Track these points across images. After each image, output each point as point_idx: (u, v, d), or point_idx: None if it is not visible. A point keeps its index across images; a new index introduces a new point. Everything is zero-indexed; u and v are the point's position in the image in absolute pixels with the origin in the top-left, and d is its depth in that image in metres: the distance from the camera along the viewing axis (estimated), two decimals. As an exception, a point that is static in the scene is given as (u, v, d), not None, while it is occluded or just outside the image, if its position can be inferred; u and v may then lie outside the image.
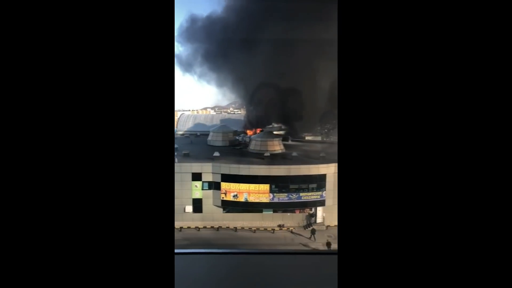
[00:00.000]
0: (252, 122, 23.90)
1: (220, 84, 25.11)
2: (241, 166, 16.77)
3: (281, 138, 20.58)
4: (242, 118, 26.60)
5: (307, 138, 23.65)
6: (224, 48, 22.78)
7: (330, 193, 16.52)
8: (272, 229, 16.12)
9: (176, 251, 1.12)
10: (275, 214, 16.75)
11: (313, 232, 15.21)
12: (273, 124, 24.24)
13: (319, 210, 16.70)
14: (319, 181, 16.43)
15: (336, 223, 16.38)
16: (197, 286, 1.43)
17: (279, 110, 21.75)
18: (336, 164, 16.51)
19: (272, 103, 21.53)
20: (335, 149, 20.27)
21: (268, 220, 16.58)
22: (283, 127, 24.51)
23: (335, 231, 15.22)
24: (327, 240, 14.58)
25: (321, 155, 17.87)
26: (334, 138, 23.79)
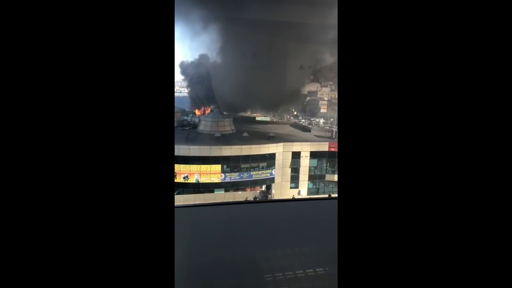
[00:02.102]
0: (203, 101, 23.13)
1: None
2: (191, 147, 16.28)
3: (231, 119, 20.50)
4: (189, 98, 25.54)
5: (258, 118, 24.13)
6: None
7: (279, 171, 17.49)
8: (224, 208, 16.50)
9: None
10: (227, 193, 17.02)
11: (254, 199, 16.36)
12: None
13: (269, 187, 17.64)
14: (268, 160, 17.17)
15: (283, 197, 17.60)
16: (202, 234, 1.53)
17: (237, 90, 21.50)
18: (283, 144, 17.48)
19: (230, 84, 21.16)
20: (283, 129, 21.32)
21: (219, 200, 16.77)
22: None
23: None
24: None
25: (270, 135, 18.54)
26: (284, 119, 24.87)
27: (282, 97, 22.70)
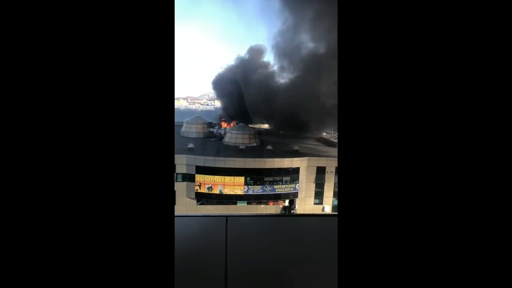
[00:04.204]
0: (233, 116, 23.44)
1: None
2: (217, 158, 16.65)
3: (256, 131, 20.74)
4: (217, 111, 26.15)
5: (281, 131, 24.12)
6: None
7: (303, 185, 17.17)
8: (246, 221, 16.39)
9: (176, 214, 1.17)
10: (249, 206, 16.98)
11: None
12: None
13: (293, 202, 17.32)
14: (292, 174, 16.96)
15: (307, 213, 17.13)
16: (199, 246, 1.49)
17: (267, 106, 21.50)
18: (308, 158, 17.22)
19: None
20: (307, 143, 21.01)
21: (242, 212, 16.75)
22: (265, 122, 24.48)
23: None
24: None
25: (294, 148, 18.41)
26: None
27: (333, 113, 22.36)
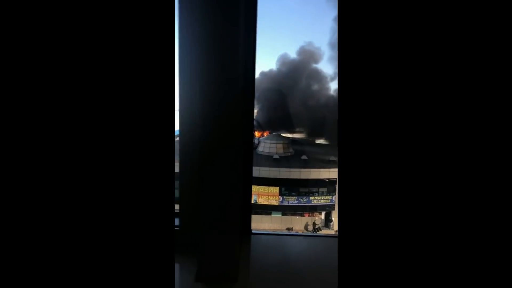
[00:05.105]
0: (267, 125, 23.54)
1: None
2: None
3: (290, 141, 20.54)
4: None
5: (317, 141, 23.60)
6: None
7: (340, 197, 16.45)
8: (280, 232, 16.17)
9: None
10: (284, 217, 16.69)
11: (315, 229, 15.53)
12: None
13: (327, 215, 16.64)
14: (329, 185, 16.36)
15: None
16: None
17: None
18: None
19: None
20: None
21: (276, 223, 16.51)
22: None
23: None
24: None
25: (331, 159, 17.80)
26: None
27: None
